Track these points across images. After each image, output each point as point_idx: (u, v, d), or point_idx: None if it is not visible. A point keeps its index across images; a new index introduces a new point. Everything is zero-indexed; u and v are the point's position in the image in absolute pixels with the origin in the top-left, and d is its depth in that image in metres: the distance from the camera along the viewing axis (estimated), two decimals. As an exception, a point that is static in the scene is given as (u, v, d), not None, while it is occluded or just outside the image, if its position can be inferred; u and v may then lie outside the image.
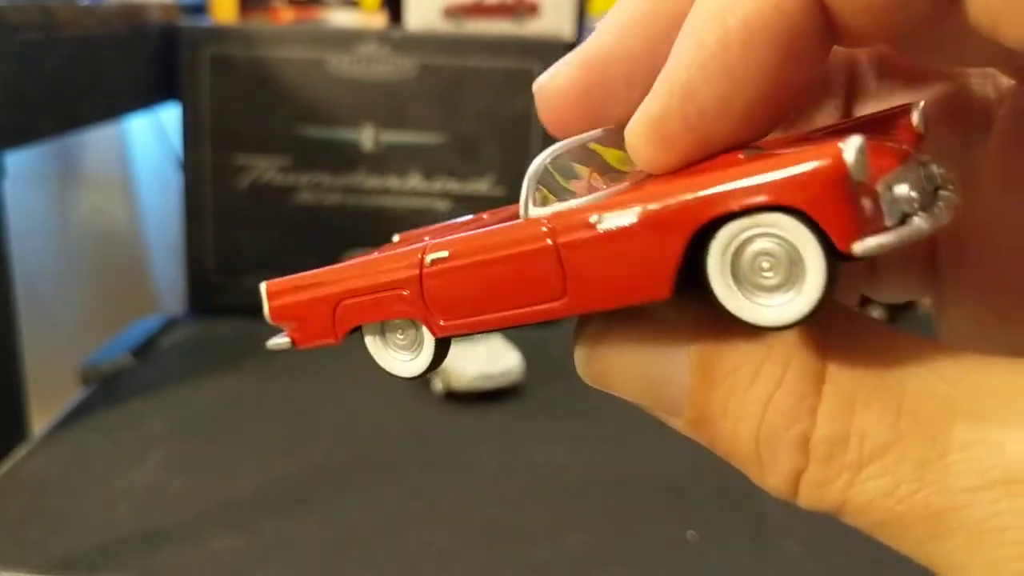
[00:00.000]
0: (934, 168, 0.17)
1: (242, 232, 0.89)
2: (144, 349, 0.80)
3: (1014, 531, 0.13)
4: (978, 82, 0.19)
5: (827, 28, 0.15)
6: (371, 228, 0.89)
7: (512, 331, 0.77)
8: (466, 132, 0.87)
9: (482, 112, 0.87)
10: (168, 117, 0.97)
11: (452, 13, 0.97)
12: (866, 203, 0.14)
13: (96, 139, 1.10)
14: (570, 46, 0.96)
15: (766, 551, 0.54)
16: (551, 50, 0.87)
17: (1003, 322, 0.19)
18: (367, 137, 0.88)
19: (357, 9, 1.01)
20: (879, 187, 0.15)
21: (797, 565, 0.53)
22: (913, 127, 0.17)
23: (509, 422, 0.70)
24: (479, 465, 0.63)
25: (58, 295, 1.10)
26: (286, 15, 1.02)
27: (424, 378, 0.20)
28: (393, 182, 0.88)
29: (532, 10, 0.98)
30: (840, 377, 0.14)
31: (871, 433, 0.14)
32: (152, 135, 1.11)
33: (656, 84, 0.16)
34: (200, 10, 0.99)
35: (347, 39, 0.87)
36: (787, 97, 0.16)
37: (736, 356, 0.15)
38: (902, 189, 0.15)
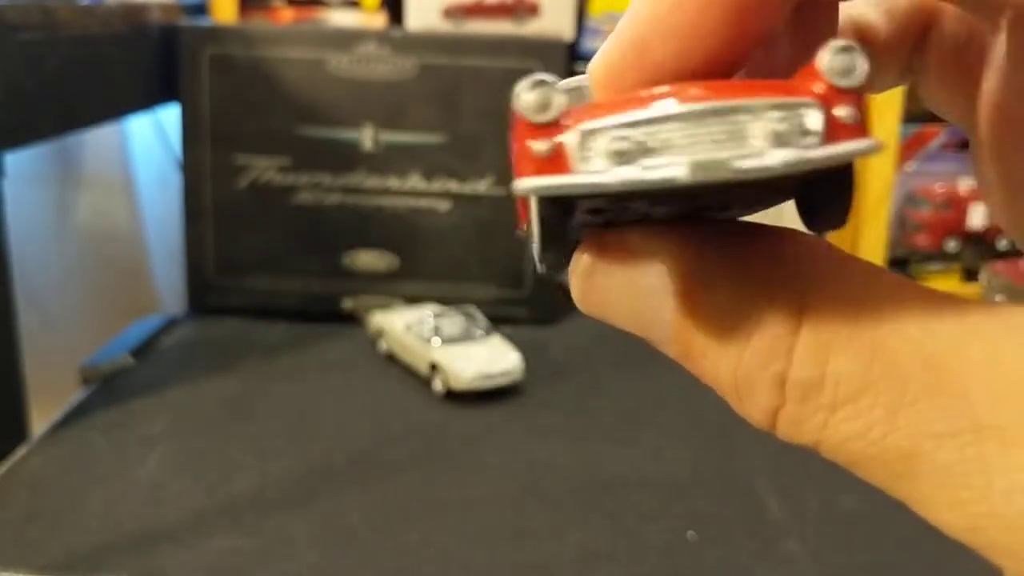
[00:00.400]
0: (769, 119, 0.14)
1: (242, 232, 0.89)
2: (144, 349, 0.80)
3: (977, 475, 0.13)
4: None
5: None
6: (371, 228, 0.89)
7: (513, 330, 0.76)
8: (466, 132, 0.87)
9: (482, 112, 0.87)
10: (168, 117, 0.97)
11: (452, 13, 0.98)
12: (540, 144, 0.14)
13: (96, 139, 1.10)
14: (570, 46, 0.96)
15: (766, 551, 0.54)
16: (551, 50, 0.87)
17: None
18: (367, 137, 0.88)
19: (357, 9, 1.01)
20: (571, 131, 0.14)
21: (797, 565, 0.53)
22: (816, 70, 0.15)
23: (509, 422, 0.70)
24: (479, 464, 0.63)
25: (58, 295, 1.10)
26: (286, 15, 1.03)
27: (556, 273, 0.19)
28: (393, 182, 0.88)
29: (532, 10, 0.98)
30: (818, 319, 0.15)
31: (845, 376, 0.14)
32: (152, 135, 1.10)
33: (615, 32, 0.16)
34: (200, 10, 0.99)
35: (347, 39, 0.87)
36: (749, 45, 0.16)
37: (716, 290, 0.15)
38: (604, 139, 0.14)
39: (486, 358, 0.73)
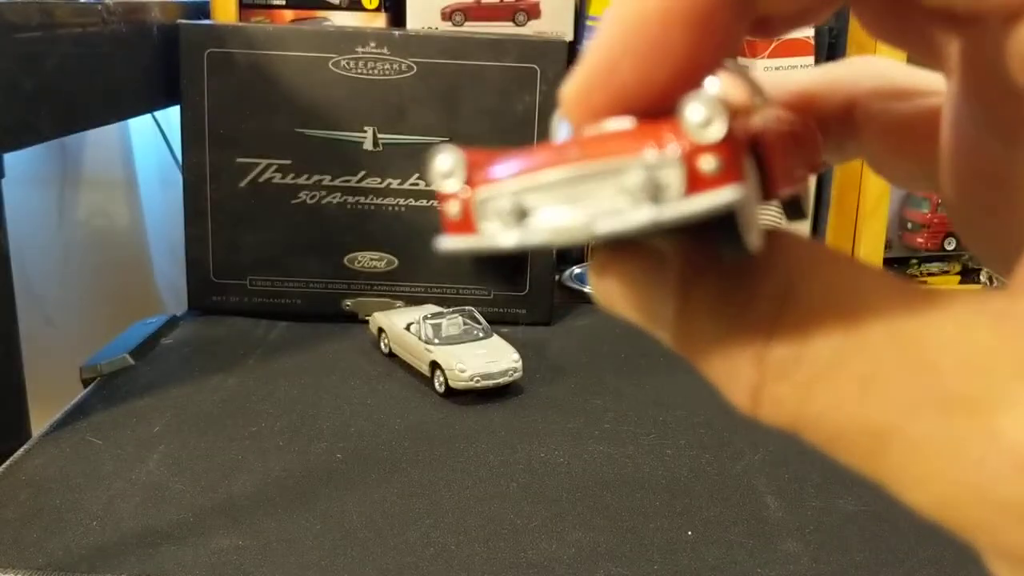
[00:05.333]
0: (634, 178, 0.15)
1: (242, 232, 0.89)
2: (144, 349, 0.80)
3: (948, 445, 0.13)
4: None
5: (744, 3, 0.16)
6: (371, 228, 0.89)
7: (512, 330, 0.76)
8: (466, 132, 0.87)
9: (482, 112, 0.87)
10: (168, 117, 0.97)
11: (452, 13, 0.98)
12: (453, 205, 0.17)
13: (96, 139, 1.10)
14: (570, 46, 0.96)
15: (766, 551, 0.54)
16: (551, 50, 0.87)
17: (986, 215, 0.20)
18: (368, 137, 0.88)
19: (357, 9, 1.01)
20: (472, 194, 0.17)
21: (797, 565, 0.53)
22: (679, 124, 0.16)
23: (509, 421, 0.70)
24: (479, 464, 0.63)
25: (58, 295, 1.10)
26: (286, 15, 1.03)
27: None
28: (393, 182, 0.88)
29: (532, 10, 0.98)
30: (798, 304, 0.15)
31: (822, 353, 0.15)
32: (152, 135, 1.11)
33: (584, 56, 0.17)
34: (200, 10, 0.99)
35: (347, 39, 0.87)
36: (708, 67, 0.17)
37: (710, 284, 0.16)
38: (494, 202, 0.16)
39: (486, 358, 0.73)
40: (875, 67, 0.23)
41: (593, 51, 0.17)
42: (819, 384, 0.15)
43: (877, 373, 0.14)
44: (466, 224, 0.17)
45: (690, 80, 0.17)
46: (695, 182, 0.15)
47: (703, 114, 0.15)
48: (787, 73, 0.23)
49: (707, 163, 0.15)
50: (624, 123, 0.17)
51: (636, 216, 0.15)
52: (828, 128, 0.23)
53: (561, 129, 0.20)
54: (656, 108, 0.17)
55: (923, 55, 0.20)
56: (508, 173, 0.17)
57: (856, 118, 0.23)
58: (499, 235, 0.16)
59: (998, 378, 0.13)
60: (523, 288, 0.89)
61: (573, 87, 0.17)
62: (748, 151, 0.16)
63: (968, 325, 0.14)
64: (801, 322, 0.15)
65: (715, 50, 0.17)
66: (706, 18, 0.16)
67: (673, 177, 0.15)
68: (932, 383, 0.13)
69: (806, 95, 0.23)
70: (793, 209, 0.22)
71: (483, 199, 0.17)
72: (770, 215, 0.18)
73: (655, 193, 0.15)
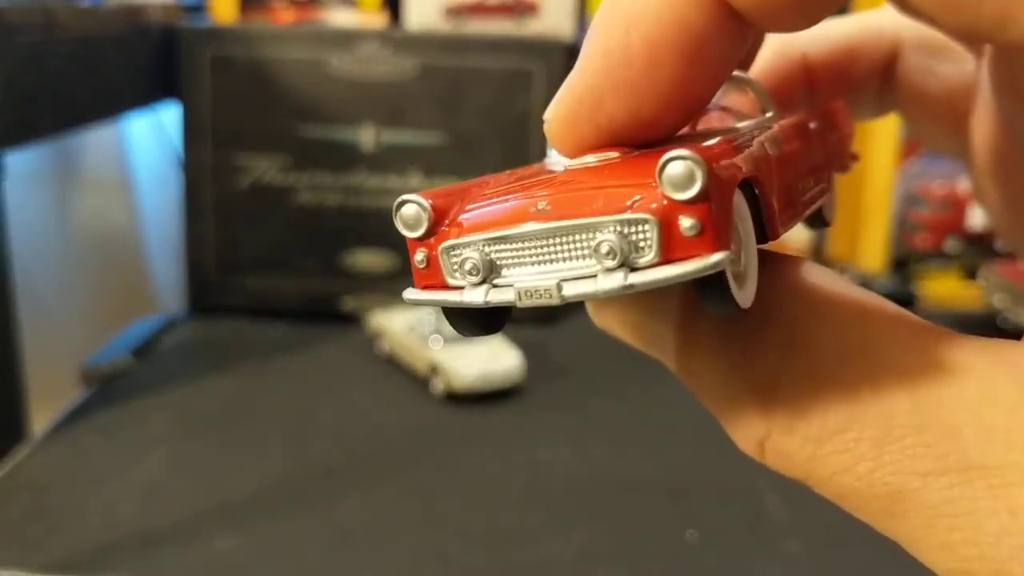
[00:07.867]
0: (608, 236, 0.14)
1: (242, 232, 0.89)
2: (144, 349, 0.80)
3: (967, 517, 0.13)
4: None
5: (737, 26, 0.15)
6: (371, 228, 0.89)
7: (513, 331, 0.76)
8: (466, 132, 0.87)
9: (482, 112, 0.87)
10: (168, 117, 0.97)
11: (452, 13, 0.97)
12: (420, 257, 0.16)
13: (96, 139, 1.10)
14: (570, 46, 0.96)
15: (766, 551, 0.54)
16: (551, 50, 0.87)
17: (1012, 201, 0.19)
18: (367, 137, 0.87)
19: (357, 9, 1.01)
20: (439, 248, 0.16)
21: (797, 565, 0.53)
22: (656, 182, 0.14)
23: (509, 422, 0.70)
24: (479, 465, 0.63)
25: (58, 295, 1.10)
26: (286, 15, 1.03)
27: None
28: (393, 182, 0.88)
29: (532, 10, 0.98)
30: (807, 346, 0.14)
31: (833, 407, 0.14)
32: (152, 135, 1.11)
33: (567, 84, 0.16)
34: (200, 10, 0.99)
35: (347, 39, 0.87)
36: (703, 95, 0.16)
37: (712, 321, 0.15)
38: (459, 257, 0.16)
39: (486, 358, 0.73)
40: None
41: (576, 80, 0.16)
42: (830, 443, 0.14)
43: (893, 435, 0.13)
44: (433, 274, 0.16)
45: (685, 108, 0.16)
46: (672, 244, 0.14)
47: (681, 170, 0.13)
48: (827, 24, 0.22)
49: (686, 223, 0.14)
50: (609, 156, 0.16)
51: (604, 284, 0.14)
52: (868, 81, 0.22)
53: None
54: (649, 137, 0.16)
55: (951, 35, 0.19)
56: (476, 223, 0.16)
57: (897, 72, 0.21)
58: (465, 291, 0.16)
59: (1021, 447, 0.12)
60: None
61: (557, 116, 0.16)
62: (740, 197, 0.15)
63: (991, 383, 0.13)
64: (808, 375, 0.14)
65: (710, 78, 0.16)
66: (697, 49, 0.15)
67: (648, 238, 0.14)
68: (952, 448, 0.13)
69: (847, 48, 0.21)
70: (814, 219, 0.21)
71: (449, 249, 0.16)
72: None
73: (628, 255, 0.14)
